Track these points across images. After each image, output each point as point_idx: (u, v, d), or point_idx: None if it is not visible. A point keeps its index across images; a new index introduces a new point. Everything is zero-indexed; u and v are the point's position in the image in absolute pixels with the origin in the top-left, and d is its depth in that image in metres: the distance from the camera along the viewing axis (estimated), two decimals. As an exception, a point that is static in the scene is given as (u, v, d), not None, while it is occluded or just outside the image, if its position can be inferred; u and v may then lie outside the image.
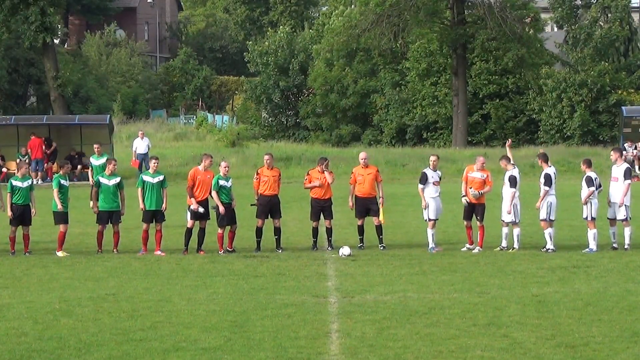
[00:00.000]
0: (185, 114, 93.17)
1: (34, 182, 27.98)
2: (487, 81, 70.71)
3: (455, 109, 69.23)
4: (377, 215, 25.58)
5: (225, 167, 25.11)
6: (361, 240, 25.63)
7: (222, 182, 24.89)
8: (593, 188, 24.40)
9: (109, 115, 57.75)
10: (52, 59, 72.97)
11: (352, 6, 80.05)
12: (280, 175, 25.76)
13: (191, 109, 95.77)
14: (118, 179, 25.50)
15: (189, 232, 24.95)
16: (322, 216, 25.58)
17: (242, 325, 15.79)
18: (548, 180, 24.49)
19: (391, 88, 73.99)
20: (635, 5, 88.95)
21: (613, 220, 24.77)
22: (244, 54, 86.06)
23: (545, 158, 24.98)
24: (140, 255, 24.47)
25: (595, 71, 68.85)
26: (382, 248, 25.39)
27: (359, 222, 25.65)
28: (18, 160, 50.03)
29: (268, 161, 25.73)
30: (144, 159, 51.41)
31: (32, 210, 25.16)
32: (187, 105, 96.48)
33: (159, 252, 24.65)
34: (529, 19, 71.29)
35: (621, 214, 24.62)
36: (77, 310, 17.09)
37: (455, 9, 69.61)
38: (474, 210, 25.29)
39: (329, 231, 25.55)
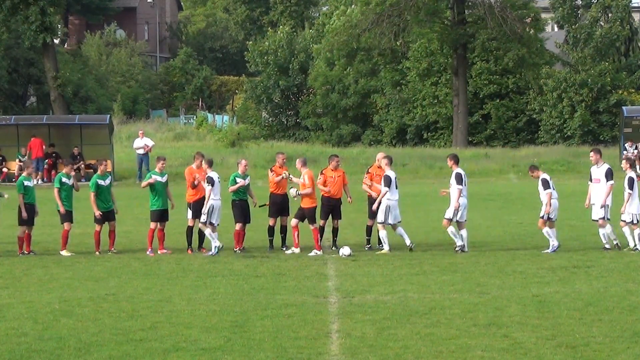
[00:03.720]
0: (185, 114, 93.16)
1: (36, 182, 28.00)
2: (488, 81, 70.74)
3: (455, 109, 69.24)
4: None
5: (244, 165, 25.37)
6: (368, 242, 25.58)
7: (239, 180, 25.07)
8: (550, 190, 24.39)
9: (109, 115, 57.74)
10: (52, 59, 72.94)
11: (353, 6, 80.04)
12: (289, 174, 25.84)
13: (191, 109, 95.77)
14: (110, 179, 25.69)
15: (190, 230, 25.04)
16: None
17: (242, 325, 15.77)
18: (459, 180, 24.42)
19: (392, 88, 74.00)
20: (636, 5, 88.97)
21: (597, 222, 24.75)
22: (244, 53, 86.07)
23: (456, 159, 24.98)
24: (151, 255, 24.45)
25: (595, 71, 68.87)
26: (381, 247, 25.41)
27: (369, 223, 25.55)
28: (17, 160, 50.12)
29: (284, 160, 25.85)
30: (142, 158, 51.41)
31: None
32: (187, 105, 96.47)
33: (164, 251, 24.75)
34: (530, 19, 71.29)
35: (597, 215, 24.57)
36: (77, 311, 17.08)
37: (456, 8, 69.64)
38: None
39: (335, 231, 25.54)
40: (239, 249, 24.96)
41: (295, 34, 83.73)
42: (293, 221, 24.86)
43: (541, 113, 69.72)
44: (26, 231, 24.91)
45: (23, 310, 17.16)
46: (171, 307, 17.32)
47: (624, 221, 24.60)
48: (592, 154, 25.14)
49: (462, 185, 24.50)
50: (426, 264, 22.63)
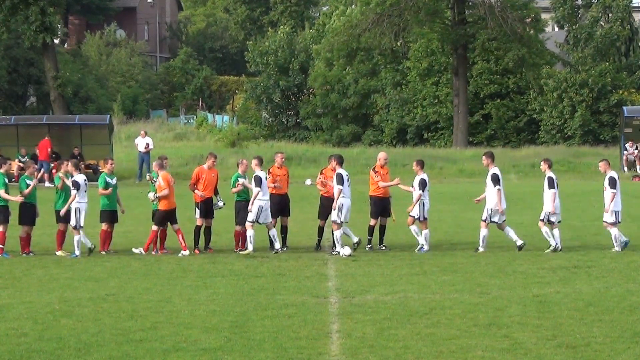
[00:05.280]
0: (186, 114, 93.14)
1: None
2: (488, 81, 70.74)
3: (456, 109, 69.23)
4: (390, 215, 25.57)
5: (245, 166, 25.38)
6: (369, 242, 25.54)
7: (240, 180, 25.04)
8: (420, 192, 24.61)
9: (109, 116, 57.74)
10: (52, 59, 72.93)
11: (353, 6, 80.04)
12: (288, 173, 25.84)
13: (191, 109, 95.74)
14: (116, 178, 25.72)
15: (198, 230, 25.05)
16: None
17: (242, 325, 15.76)
18: (339, 180, 24.38)
19: (392, 88, 73.98)
20: (636, 5, 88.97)
21: (499, 224, 24.78)
22: (244, 53, 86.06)
23: (339, 160, 24.88)
24: (161, 254, 24.46)
25: (596, 71, 68.88)
26: (383, 248, 25.41)
27: (372, 223, 25.48)
28: (17, 160, 50.08)
29: (283, 159, 25.87)
30: (143, 157, 51.40)
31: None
32: (187, 105, 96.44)
33: (164, 251, 24.79)
34: (530, 19, 71.30)
35: (484, 215, 24.64)
36: (77, 311, 17.06)
37: (456, 8, 69.63)
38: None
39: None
40: (239, 250, 24.94)
41: (295, 34, 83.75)
42: (154, 227, 24.76)
43: (542, 113, 69.74)
44: (27, 232, 24.91)
45: (23, 311, 17.15)
46: (171, 308, 17.30)
47: (542, 220, 24.72)
48: (483, 157, 25.28)
49: (342, 185, 24.49)
50: (426, 264, 22.61)
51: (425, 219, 24.85)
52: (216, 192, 25.51)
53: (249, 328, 15.55)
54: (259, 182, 24.38)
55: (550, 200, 24.55)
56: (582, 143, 66.65)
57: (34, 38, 69.78)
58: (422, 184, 24.80)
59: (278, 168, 25.68)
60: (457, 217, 32.64)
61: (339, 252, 24.06)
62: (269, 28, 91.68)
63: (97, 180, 25.98)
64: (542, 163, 25.40)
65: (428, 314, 16.52)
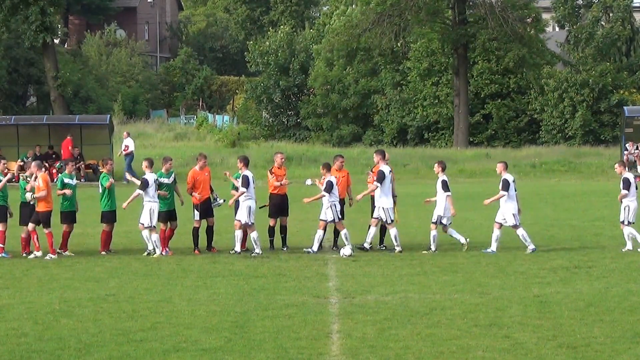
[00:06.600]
0: (186, 114, 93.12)
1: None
2: (489, 81, 70.68)
3: (456, 109, 69.20)
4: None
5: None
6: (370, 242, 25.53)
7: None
8: (327, 194, 24.56)
9: (109, 116, 57.73)
10: (52, 59, 72.88)
11: (353, 6, 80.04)
12: (285, 173, 25.88)
13: (191, 109, 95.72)
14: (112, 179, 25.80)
15: (196, 231, 25.04)
16: None
17: (242, 326, 15.76)
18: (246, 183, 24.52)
19: (392, 88, 73.95)
20: (637, 5, 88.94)
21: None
22: (245, 53, 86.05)
23: (245, 161, 24.96)
24: (169, 254, 24.45)
25: (596, 71, 68.87)
26: (383, 248, 25.42)
27: (373, 223, 25.49)
28: (19, 161, 50.07)
29: (283, 160, 25.90)
30: (125, 158, 51.62)
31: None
32: (187, 105, 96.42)
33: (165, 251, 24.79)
34: (530, 19, 71.29)
35: (375, 214, 24.77)
36: (77, 311, 17.06)
37: (457, 8, 69.59)
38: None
39: (337, 231, 25.49)
40: (240, 250, 24.93)
41: (295, 34, 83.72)
42: (30, 226, 24.60)
43: (542, 113, 69.72)
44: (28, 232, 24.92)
45: (23, 311, 17.15)
46: (171, 308, 17.30)
47: (434, 223, 24.80)
48: (374, 155, 25.59)
49: (247, 187, 24.46)
50: (427, 264, 22.61)
51: (339, 219, 24.77)
52: (211, 190, 25.58)
53: (250, 328, 15.55)
54: (145, 185, 24.41)
55: (443, 203, 24.73)
56: (582, 143, 66.63)
57: (34, 38, 69.73)
58: (329, 186, 24.69)
59: (278, 168, 25.69)
60: (457, 217, 32.59)
61: (236, 251, 24.34)
62: (269, 28, 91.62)
63: (97, 181, 25.95)
64: (435, 165, 25.61)
65: (428, 314, 16.52)
